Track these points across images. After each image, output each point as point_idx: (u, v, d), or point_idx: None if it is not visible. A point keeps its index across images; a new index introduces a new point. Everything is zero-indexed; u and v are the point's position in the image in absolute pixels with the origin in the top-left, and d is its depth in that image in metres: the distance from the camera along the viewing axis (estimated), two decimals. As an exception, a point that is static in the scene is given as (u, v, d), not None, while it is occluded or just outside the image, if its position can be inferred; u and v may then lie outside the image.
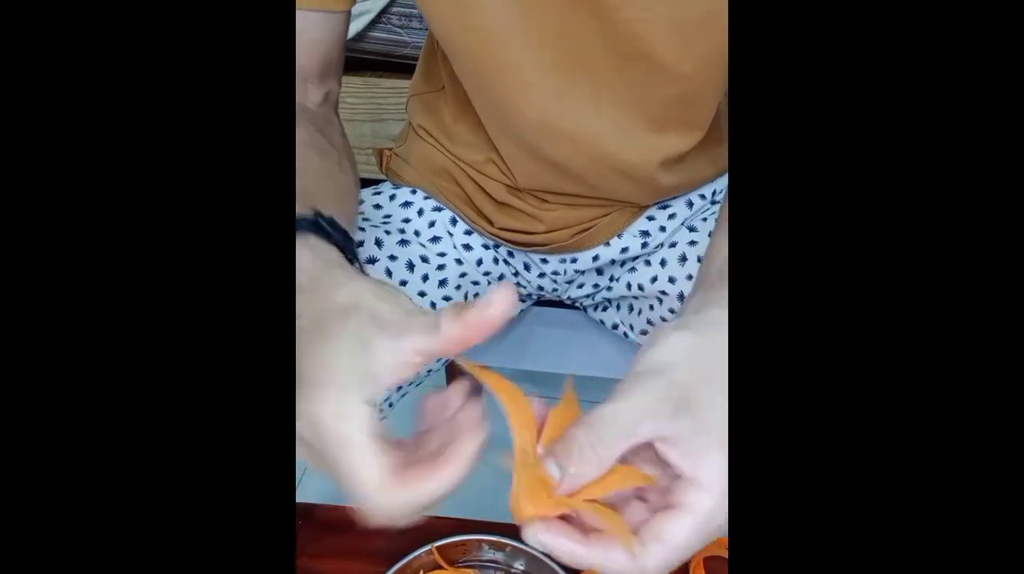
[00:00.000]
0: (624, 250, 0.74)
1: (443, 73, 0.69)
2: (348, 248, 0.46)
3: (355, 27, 1.20)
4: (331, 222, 0.46)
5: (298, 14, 0.58)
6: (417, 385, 0.75)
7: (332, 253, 0.43)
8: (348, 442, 0.34)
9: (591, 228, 0.73)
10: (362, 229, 0.72)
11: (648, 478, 0.37)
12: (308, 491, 1.27)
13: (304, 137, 0.56)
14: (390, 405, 0.74)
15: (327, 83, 0.65)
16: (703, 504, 0.34)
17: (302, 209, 0.45)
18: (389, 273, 0.69)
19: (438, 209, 0.77)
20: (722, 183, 0.75)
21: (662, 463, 0.36)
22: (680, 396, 0.36)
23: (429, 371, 0.75)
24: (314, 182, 0.51)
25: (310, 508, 0.76)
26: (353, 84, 1.28)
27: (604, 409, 0.36)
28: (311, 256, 0.41)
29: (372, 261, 0.69)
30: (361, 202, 0.77)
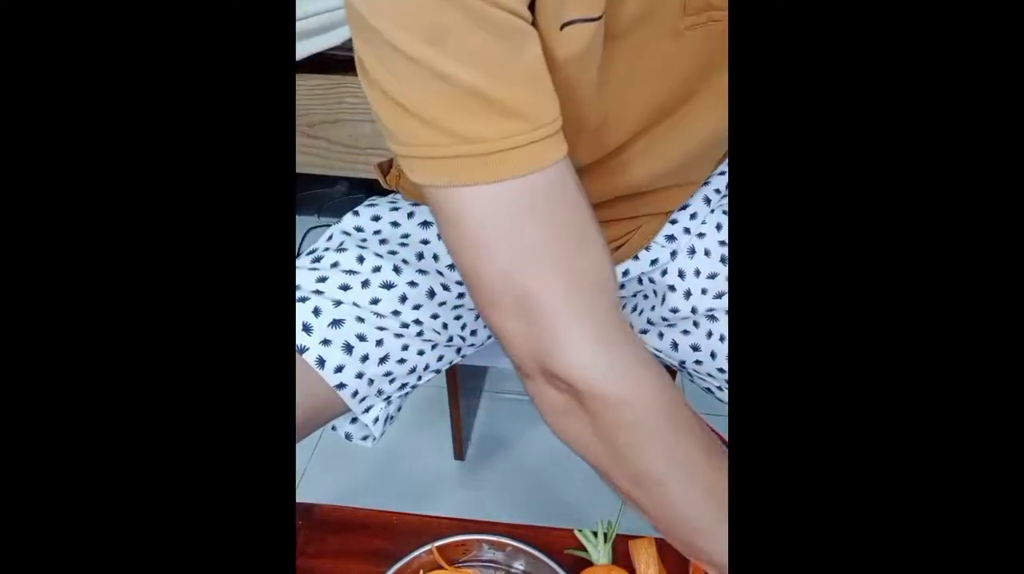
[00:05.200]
0: (654, 262, 0.73)
1: None
2: None
3: (355, 27, 1.20)
4: None
5: (563, 170, 0.46)
6: (414, 387, 0.75)
7: None
8: None
9: (624, 244, 0.72)
10: (379, 255, 0.69)
11: None
12: (308, 491, 1.28)
13: None
14: (399, 408, 0.74)
15: None
16: None
17: None
18: (404, 298, 0.68)
19: None
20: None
21: None
22: None
23: (437, 371, 0.74)
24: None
25: (310, 508, 0.76)
26: (353, 84, 1.28)
27: None
28: None
29: (389, 286, 0.67)
30: (378, 218, 0.75)
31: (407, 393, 0.73)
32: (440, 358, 0.73)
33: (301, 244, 1.76)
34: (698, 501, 0.50)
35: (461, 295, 0.72)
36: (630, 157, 0.61)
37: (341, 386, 0.64)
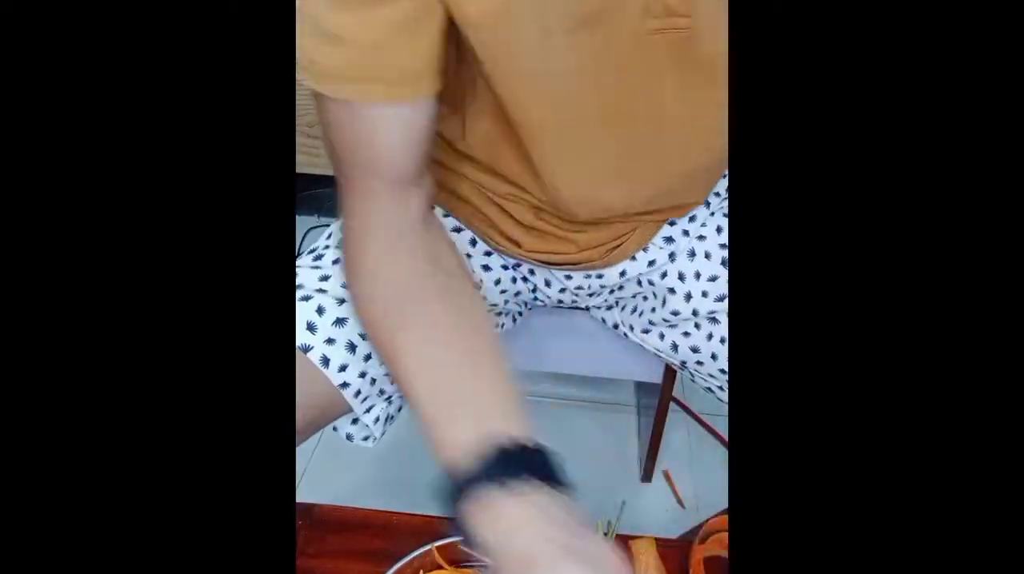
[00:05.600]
0: (651, 263, 0.74)
1: (467, 96, 0.64)
2: (558, 477, 0.47)
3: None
4: (533, 452, 0.47)
5: (387, 112, 0.54)
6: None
7: (552, 504, 0.46)
8: None
9: (622, 244, 0.73)
10: None
11: None
12: (308, 491, 1.28)
13: (435, 314, 0.54)
14: (399, 408, 0.74)
15: (426, 178, 0.59)
16: None
17: (485, 438, 0.46)
18: None
19: (457, 230, 0.74)
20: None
21: None
22: None
23: None
24: (473, 383, 0.51)
25: (310, 508, 0.76)
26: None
27: None
28: (534, 514, 0.44)
29: None
30: None
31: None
32: None
33: (301, 244, 1.75)
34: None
35: None
36: (611, 179, 0.62)
37: (344, 385, 0.64)
